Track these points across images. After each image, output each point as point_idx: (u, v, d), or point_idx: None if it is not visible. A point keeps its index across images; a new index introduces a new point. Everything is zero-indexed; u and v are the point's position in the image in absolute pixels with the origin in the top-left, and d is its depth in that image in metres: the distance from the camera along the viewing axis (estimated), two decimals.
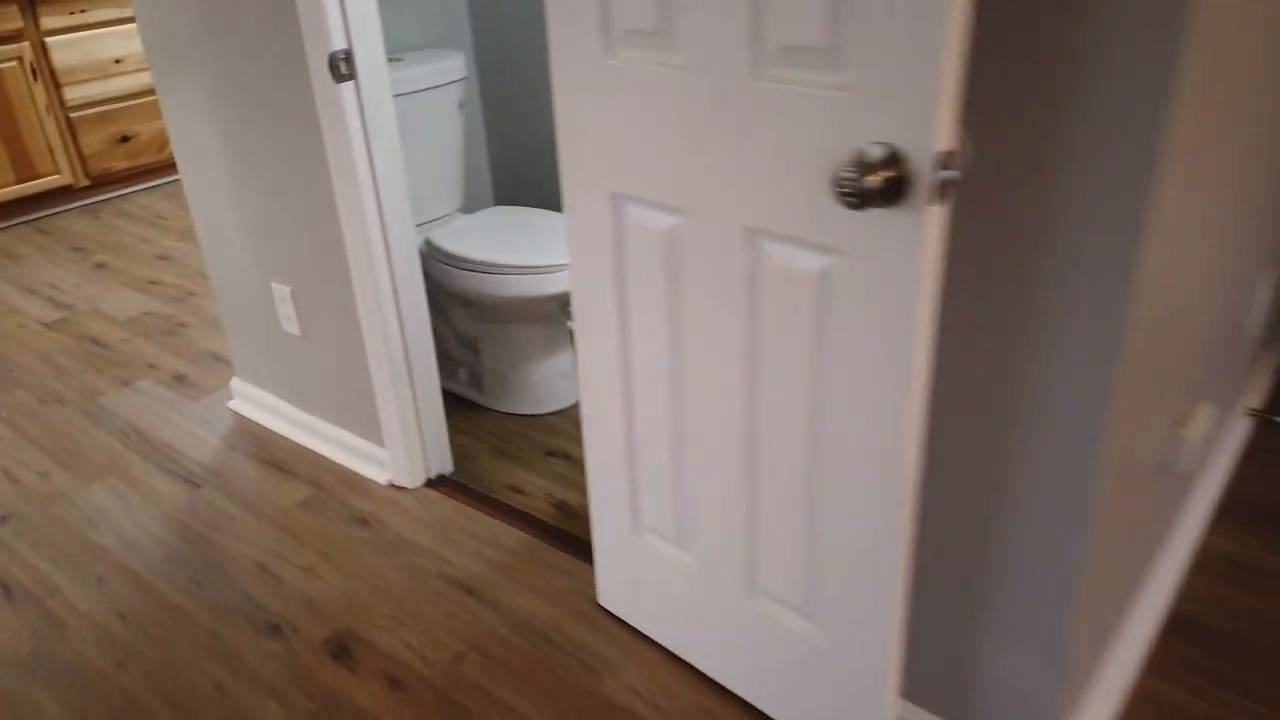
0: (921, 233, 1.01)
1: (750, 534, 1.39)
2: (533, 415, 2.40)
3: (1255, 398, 2.22)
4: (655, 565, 1.59)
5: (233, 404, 2.53)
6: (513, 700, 1.58)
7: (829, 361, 1.17)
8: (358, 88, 1.77)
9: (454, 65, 2.46)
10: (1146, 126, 0.94)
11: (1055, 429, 1.12)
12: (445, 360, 2.53)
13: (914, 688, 1.41)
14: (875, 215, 1.04)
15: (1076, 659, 1.27)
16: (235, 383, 2.52)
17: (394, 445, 2.11)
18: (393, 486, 2.15)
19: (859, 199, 1.00)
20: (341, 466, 2.25)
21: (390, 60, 2.39)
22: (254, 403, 2.47)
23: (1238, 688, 1.52)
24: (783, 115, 1.08)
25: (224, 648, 1.73)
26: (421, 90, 2.40)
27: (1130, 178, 0.97)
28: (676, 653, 1.64)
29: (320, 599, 1.84)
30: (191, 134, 2.18)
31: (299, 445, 2.34)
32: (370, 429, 2.17)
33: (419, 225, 2.50)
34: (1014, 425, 1.15)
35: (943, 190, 0.99)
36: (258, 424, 2.45)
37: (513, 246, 2.22)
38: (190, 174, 2.26)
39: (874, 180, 0.99)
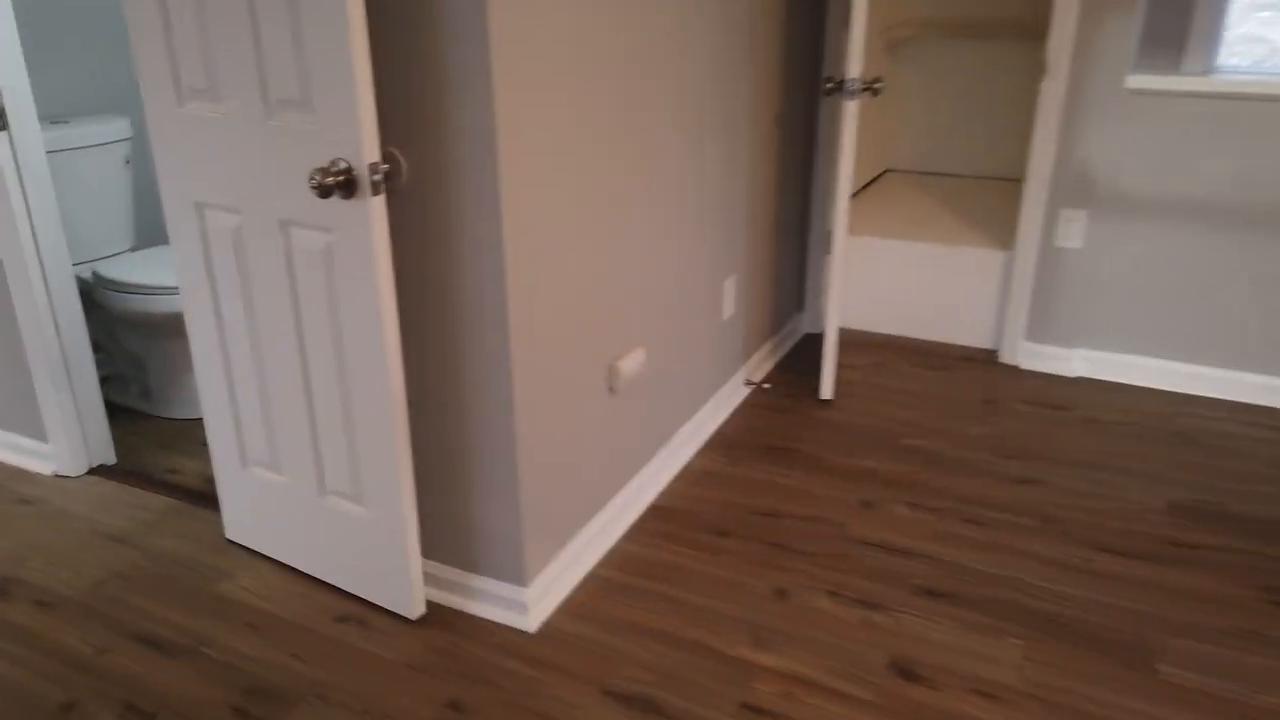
0: (370, 214, 1.62)
1: (316, 448, 1.93)
2: (193, 418, 2.83)
3: (759, 373, 3.04)
4: (259, 491, 2.08)
5: None
6: (146, 605, 2.01)
7: (341, 311, 1.75)
8: (9, 137, 2.20)
9: (118, 127, 2.90)
10: (488, 157, 1.61)
11: (486, 360, 1.75)
12: (119, 379, 2.91)
13: (435, 548, 1.99)
14: (345, 204, 1.65)
15: (536, 514, 1.89)
16: None
17: (57, 440, 2.47)
18: (57, 476, 2.51)
19: (324, 191, 1.59)
20: (10, 465, 2.57)
21: (56, 122, 2.81)
22: None
23: (688, 544, 2.21)
24: (285, 142, 1.67)
25: None
26: (88, 147, 2.83)
27: (483, 177, 1.63)
28: (281, 560, 2.13)
29: None
30: None
31: None
32: (36, 429, 2.52)
33: (93, 260, 2.89)
34: (466, 356, 1.77)
35: (377, 187, 1.61)
36: None
37: (161, 272, 2.67)
38: None
39: (333, 180, 1.59)
